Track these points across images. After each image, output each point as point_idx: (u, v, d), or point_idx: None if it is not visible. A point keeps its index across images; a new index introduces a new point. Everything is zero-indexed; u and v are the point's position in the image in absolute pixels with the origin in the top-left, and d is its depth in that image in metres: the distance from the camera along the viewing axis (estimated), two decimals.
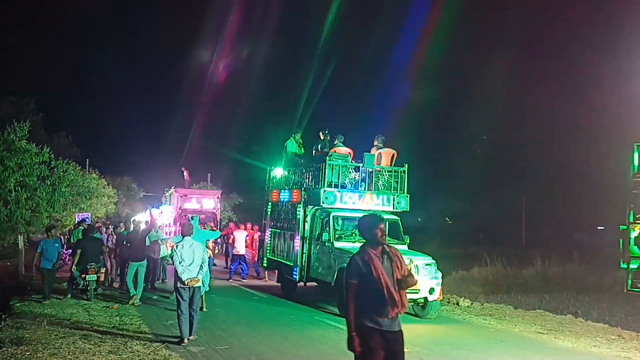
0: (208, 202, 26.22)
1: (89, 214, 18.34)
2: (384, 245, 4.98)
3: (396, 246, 11.66)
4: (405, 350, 4.89)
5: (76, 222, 17.37)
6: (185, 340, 8.58)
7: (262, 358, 8.04)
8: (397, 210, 13.09)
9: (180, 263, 8.62)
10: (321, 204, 12.59)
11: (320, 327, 10.47)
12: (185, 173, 28.96)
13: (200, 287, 8.94)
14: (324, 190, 12.55)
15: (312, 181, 13.30)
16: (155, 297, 13.14)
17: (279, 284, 14.75)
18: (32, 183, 15.01)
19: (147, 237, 13.06)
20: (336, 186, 12.71)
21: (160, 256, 14.62)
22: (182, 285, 8.62)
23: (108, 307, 11.58)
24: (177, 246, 8.85)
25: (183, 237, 8.93)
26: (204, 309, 11.13)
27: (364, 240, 5.05)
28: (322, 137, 14.19)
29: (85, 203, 18.05)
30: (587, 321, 11.56)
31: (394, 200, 13.02)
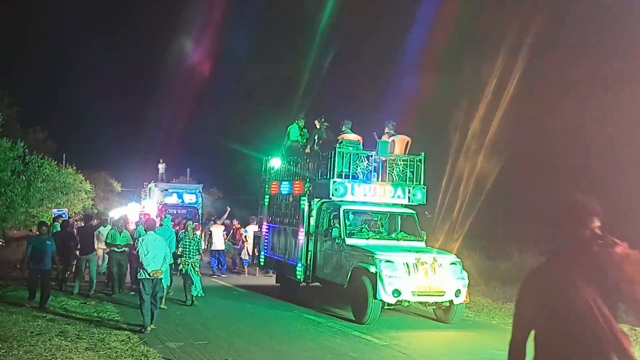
0: (190, 196, 25.83)
1: (66, 209, 18.11)
2: (598, 254, 2.83)
3: (412, 243, 11.24)
4: None
5: (53, 217, 17.16)
6: (148, 329, 8.94)
7: (241, 353, 8.04)
8: (412, 204, 11.95)
9: (145, 255, 9.02)
10: (330, 196, 11.41)
11: (300, 321, 10.48)
12: (160, 166, 28.47)
13: (162, 278, 9.40)
14: (334, 181, 11.34)
15: (318, 171, 12.13)
16: (133, 294, 13.02)
17: (279, 284, 13.65)
18: (6, 178, 14.77)
19: (97, 232, 13.44)
20: (346, 176, 11.54)
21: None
22: (146, 277, 9.03)
23: (85, 303, 11.45)
24: (142, 240, 9.30)
25: (146, 232, 9.53)
26: (195, 303, 11.44)
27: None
28: (317, 126, 13.06)
29: (62, 198, 17.85)
30: None
31: (409, 192, 11.84)
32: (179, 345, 8.27)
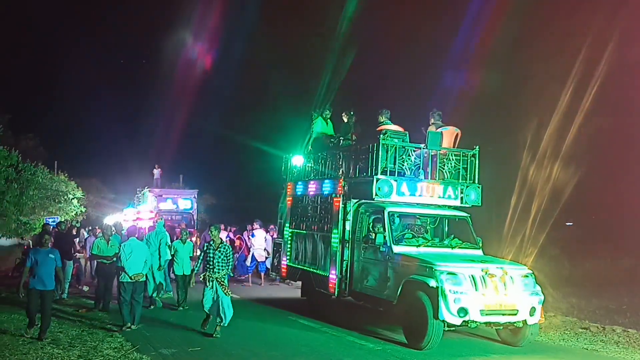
0: (184, 202, 25.75)
1: (58, 217, 18.04)
2: None
3: (469, 251, 10.11)
4: None
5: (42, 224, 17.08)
6: (130, 326, 9.57)
7: (234, 359, 7.99)
8: (465, 205, 10.48)
9: (127, 260, 9.62)
10: (373, 196, 9.87)
11: (295, 327, 10.46)
12: (155, 171, 28.40)
13: (144, 281, 10.04)
14: (377, 179, 9.85)
15: (355, 168, 10.72)
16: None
17: (305, 298, 12.12)
18: (0, 187, 14.72)
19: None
20: (391, 173, 10.04)
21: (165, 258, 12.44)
22: (128, 280, 9.63)
23: (77, 311, 11.38)
24: (124, 245, 9.88)
25: (128, 238, 10.17)
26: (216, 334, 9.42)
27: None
28: (345, 120, 11.71)
29: (54, 206, 17.79)
30: (556, 315, 11.77)
31: (461, 192, 10.40)
32: (172, 352, 8.22)
